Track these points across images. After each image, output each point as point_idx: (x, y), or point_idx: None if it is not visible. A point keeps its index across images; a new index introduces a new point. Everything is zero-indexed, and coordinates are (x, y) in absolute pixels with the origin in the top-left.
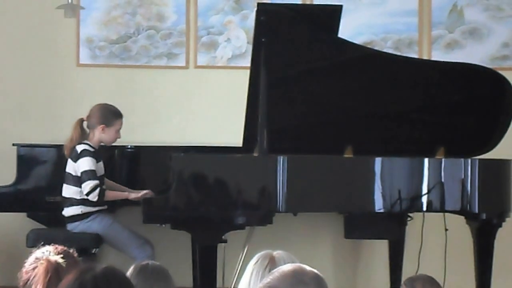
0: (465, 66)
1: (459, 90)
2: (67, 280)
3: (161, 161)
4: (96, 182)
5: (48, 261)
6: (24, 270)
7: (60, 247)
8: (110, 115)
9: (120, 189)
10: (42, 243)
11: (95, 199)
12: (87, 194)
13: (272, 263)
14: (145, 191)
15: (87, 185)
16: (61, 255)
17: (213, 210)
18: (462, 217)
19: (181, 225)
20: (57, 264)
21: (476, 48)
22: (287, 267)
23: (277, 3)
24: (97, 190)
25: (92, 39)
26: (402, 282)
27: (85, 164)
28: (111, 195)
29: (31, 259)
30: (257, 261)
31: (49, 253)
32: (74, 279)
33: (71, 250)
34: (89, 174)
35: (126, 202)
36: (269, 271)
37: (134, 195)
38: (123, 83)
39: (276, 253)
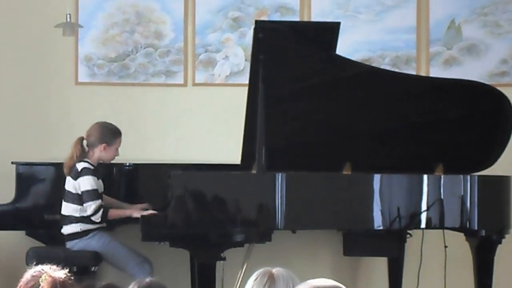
0: (464, 82)
1: (458, 107)
2: None
3: (160, 178)
4: (99, 202)
5: (53, 277)
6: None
7: (55, 267)
8: (110, 133)
9: (119, 205)
10: (35, 262)
11: (99, 220)
12: (91, 216)
13: (271, 280)
14: (149, 211)
15: (90, 206)
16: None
17: (211, 228)
18: (462, 234)
19: (180, 243)
20: (63, 280)
21: (474, 64)
22: (328, 283)
23: (275, 20)
24: (101, 212)
25: (90, 57)
26: None
27: (87, 183)
28: (114, 214)
29: (27, 276)
30: (256, 278)
31: (51, 270)
32: None
33: (66, 271)
34: (91, 194)
35: (125, 219)
36: None
37: (137, 213)
38: (121, 101)
39: (275, 270)
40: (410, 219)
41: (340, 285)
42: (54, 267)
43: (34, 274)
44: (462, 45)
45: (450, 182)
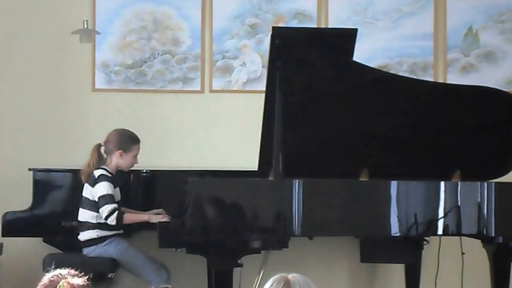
0: (481, 89)
1: (475, 113)
2: None
3: (177, 185)
4: (114, 205)
5: (71, 284)
6: None
7: (73, 272)
8: (127, 140)
9: (135, 213)
10: (53, 266)
11: (114, 223)
12: (106, 218)
13: (287, 286)
14: (165, 216)
15: (105, 209)
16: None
17: (228, 234)
18: (479, 241)
19: (197, 249)
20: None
21: (492, 71)
22: None
23: (292, 27)
24: (115, 214)
25: (107, 64)
26: None
27: (103, 188)
28: (129, 218)
29: (45, 280)
30: (272, 284)
31: (70, 275)
32: None
33: (85, 276)
34: (106, 199)
35: (142, 226)
36: None
37: (154, 218)
38: (138, 108)
39: (291, 276)
40: (427, 226)
41: None
42: (73, 271)
43: (52, 278)
44: (479, 52)
45: (467, 189)
